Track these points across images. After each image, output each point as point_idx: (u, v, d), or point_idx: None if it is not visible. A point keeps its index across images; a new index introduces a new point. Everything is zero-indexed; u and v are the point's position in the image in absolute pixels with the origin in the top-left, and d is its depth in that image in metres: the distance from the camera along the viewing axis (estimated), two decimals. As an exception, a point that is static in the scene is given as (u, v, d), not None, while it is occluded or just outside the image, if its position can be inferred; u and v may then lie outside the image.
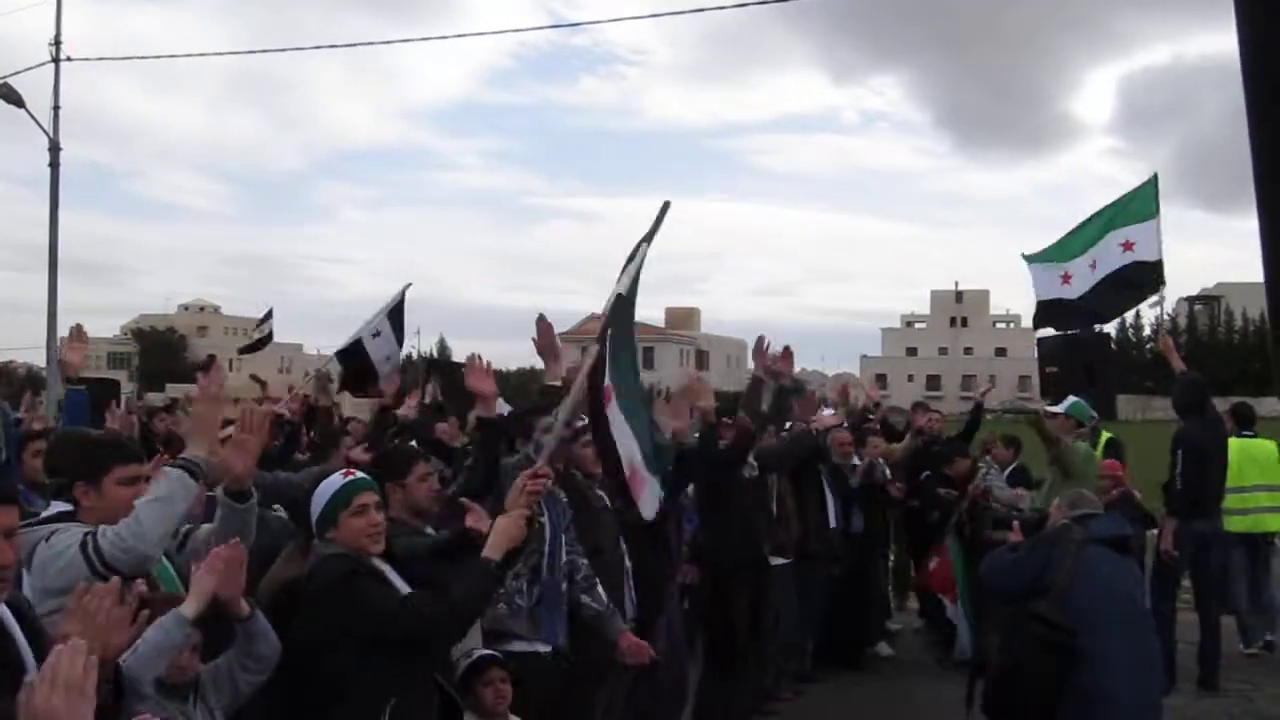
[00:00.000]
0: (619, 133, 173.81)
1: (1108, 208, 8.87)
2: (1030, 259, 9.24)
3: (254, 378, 10.05)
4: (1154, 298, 8.98)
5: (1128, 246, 8.47)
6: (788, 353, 7.59)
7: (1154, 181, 8.58)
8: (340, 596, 3.46)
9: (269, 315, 13.56)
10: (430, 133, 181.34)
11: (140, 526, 3.20)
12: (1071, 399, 8.10)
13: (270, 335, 13.13)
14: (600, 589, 5.00)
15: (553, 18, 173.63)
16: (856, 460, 8.77)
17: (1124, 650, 4.75)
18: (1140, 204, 8.53)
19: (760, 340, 7.39)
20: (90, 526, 3.29)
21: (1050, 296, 9.06)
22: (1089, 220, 8.94)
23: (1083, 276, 8.80)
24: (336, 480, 3.75)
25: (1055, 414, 8.08)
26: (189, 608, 3.08)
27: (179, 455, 3.47)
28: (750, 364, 7.80)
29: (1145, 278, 8.61)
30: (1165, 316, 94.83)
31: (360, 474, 3.86)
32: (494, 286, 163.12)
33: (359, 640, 3.46)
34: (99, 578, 3.05)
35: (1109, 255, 8.58)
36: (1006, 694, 4.84)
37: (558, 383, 5.27)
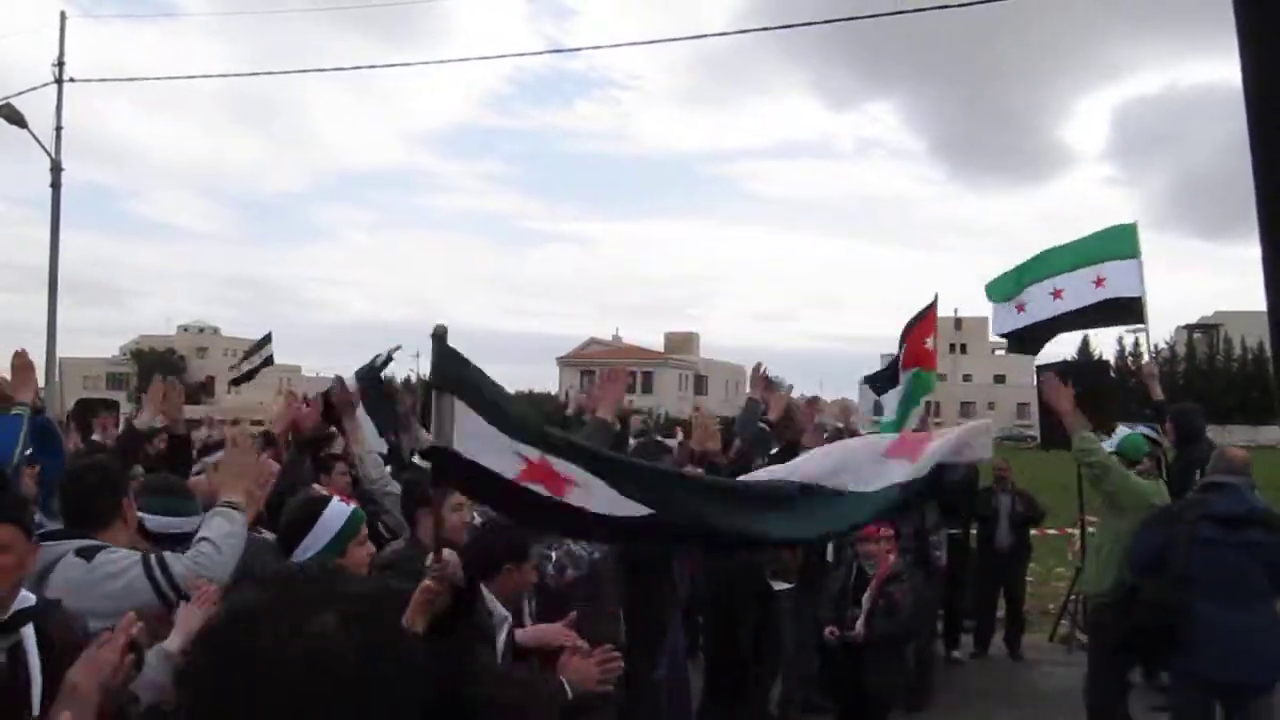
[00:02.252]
0: (615, 157, 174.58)
1: (1079, 241, 8.82)
2: (991, 293, 9.25)
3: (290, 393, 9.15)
4: (1133, 328, 8.79)
5: (1099, 283, 8.42)
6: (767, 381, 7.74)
7: (1134, 227, 8.53)
8: None
9: (267, 340, 13.27)
10: (429, 156, 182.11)
11: (221, 556, 3.30)
12: (1122, 431, 7.29)
13: (270, 360, 12.93)
14: None
15: (548, 42, 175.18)
16: None
17: (1226, 622, 5.45)
18: (1118, 243, 8.45)
19: (758, 366, 7.51)
20: (129, 549, 3.35)
21: (1009, 329, 9.11)
22: (1055, 251, 8.89)
23: (1042, 303, 8.78)
24: (343, 508, 3.71)
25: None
26: (173, 642, 3.05)
27: (222, 500, 3.53)
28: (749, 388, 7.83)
29: (1119, 313, 8.52)
30: (1161, 345, 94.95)
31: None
32: (493, 309, 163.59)
33: None
34: (163, 600, 3.15)
35: (1080, 289, 8.51)
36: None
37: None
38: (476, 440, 3.05)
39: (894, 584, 6.22)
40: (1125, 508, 6.45)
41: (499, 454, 3.08)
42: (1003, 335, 9.23)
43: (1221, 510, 5.59)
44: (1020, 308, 8.99)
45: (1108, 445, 6.98)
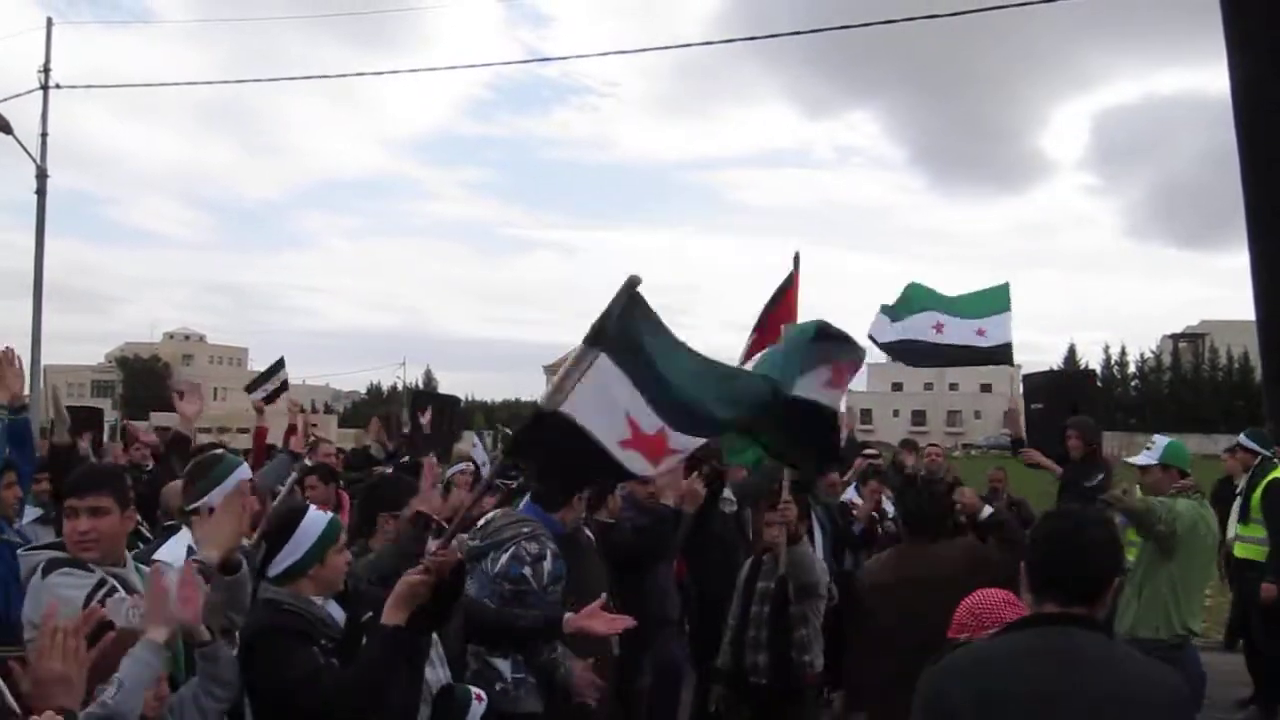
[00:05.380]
0: (594, 164, 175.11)
1: (961, 296, 9.00)
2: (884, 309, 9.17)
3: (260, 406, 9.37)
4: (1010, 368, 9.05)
5: (980, 333, 8.62)
6: None
7: (1007, 287, 8.73)
8: (260, 651, 3.29)
9: (280, 364, 13.05)
10: (410, 163, 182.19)
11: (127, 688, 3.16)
12: (1163, 440, 6.37)
13: (285, 385, 12.67)
14: None
15: (526, 49, 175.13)
16: (855, 498, 8.61)
17: None
18: (995, 301, 8.66)
19: None
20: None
21: (886, 340, 8.95)
22: (936, 293, 9.02)
23: (921, 329, 8.77)
24: (321, 516, 3.54)
25: (1146, 467, 6.26)
26: (158, 633, 2.96)
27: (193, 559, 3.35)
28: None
29: (994, 355, 8.63)
30: (1146, 354, 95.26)
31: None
32: (477, 317, 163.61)
33: (267, 699, 3.32)
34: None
35: (961, 332, 8.67)
36: None
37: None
38: (590, 402, 3.05)
39: None
40: (1176, 548, 5.86)
41: (610, 414, 3.12)
42: (879, 343, 9.05)
43: None
44: (897, 321, 9.03)
45: (1148, 458, 6.24)
